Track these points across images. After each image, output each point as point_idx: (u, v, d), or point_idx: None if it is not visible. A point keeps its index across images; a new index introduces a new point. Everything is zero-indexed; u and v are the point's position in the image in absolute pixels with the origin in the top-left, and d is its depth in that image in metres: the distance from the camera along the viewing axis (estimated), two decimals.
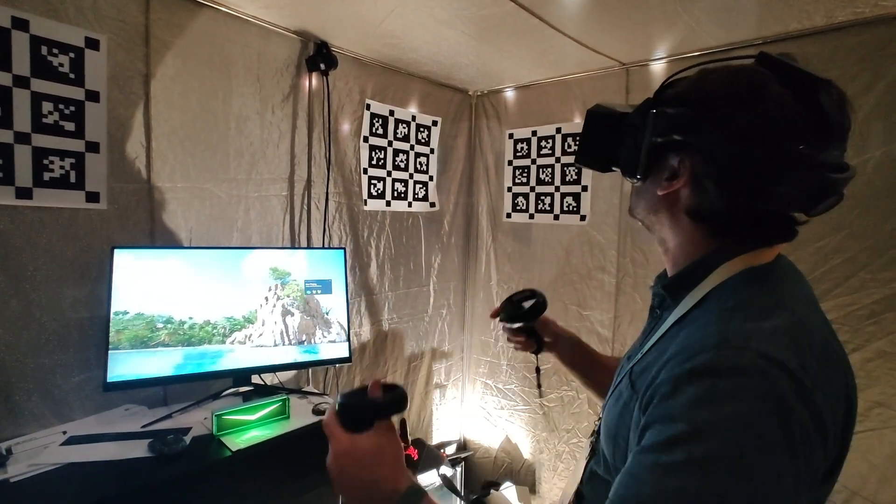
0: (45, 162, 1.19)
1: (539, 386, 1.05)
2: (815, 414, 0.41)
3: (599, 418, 0.72)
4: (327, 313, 1.60)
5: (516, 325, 0.94)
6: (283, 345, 1.51)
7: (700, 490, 0.38)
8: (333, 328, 1.60)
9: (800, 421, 0.40)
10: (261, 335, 1.47)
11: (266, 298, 1.49)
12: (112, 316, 1.22)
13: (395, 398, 0.59)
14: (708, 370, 0.42)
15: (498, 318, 0.96)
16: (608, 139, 0.63)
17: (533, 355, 0.98)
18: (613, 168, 0.66)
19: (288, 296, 1.53)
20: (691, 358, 0.44)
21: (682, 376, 0.43)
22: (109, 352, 1.20)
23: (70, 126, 1.22)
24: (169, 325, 1.30)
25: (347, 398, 0.59)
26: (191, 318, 1.34)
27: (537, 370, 1.05)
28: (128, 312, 1.25)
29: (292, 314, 1.54)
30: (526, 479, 2.24)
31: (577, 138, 0.73)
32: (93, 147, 1.26)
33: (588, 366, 0.93)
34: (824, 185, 0.48)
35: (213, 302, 1.39)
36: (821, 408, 0.41)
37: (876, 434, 1.34)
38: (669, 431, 0.41)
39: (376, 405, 0.58)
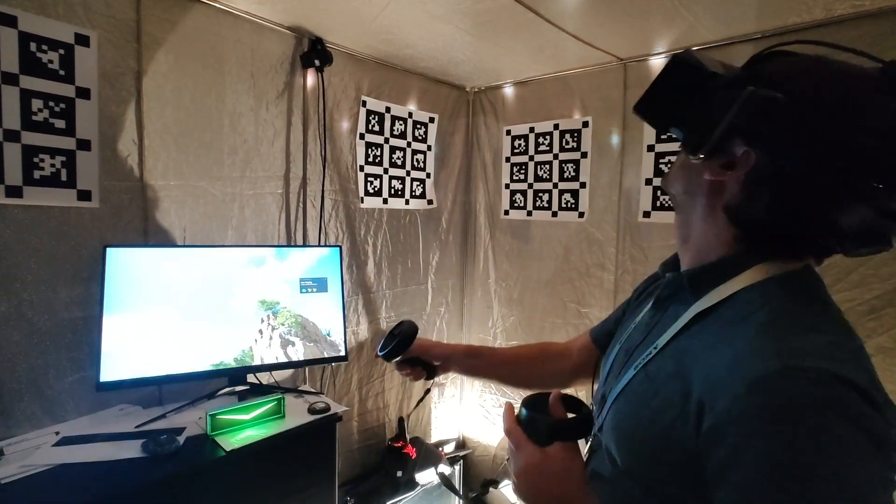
0: (36, 160, 1.17)
1: (420, 402, 1.10)
2: (890, 428, 0.40)
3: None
4: (328, 335, 1.57)
5: (395, 360, 0.93)
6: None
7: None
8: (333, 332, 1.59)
9: (879, 435, 0.39)
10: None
11: (260, 332, 1.45)
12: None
13: (582, 422, 0.59)
14: (781, 407, 0.39)
15: (380, 357, 0.95)
16: (685, 96, 0.53)
17: (427, 381, 0.98)
18: (670, 131, 0.59)
19: (282, 324, 1.49)
20: (755, 385, 0.40)
21: (752, 414, 0.40)
22: (103, 352, 1.19)
23: (60, 123, 1.20)
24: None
25: (534, 410, 0.60)
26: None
27: (427, 392, 1.16)
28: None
29: (293, 343, 1.50)
30: None
31: (652, 83, 0.55)
32: (84, 145, 1.24)
33: (488, 368, 0.96)
34: (881, 231, 0.45)
35: (205, 352, 1.36)
36: (892, 419, 0.40)
37: None
38: (760, 475, 0.39)
39: (561, 425, 0.59)
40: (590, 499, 0.55)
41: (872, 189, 0.43)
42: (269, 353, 1.46)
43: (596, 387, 0.72)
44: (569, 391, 0.68)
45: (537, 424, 0.58)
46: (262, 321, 1.46)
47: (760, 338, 0.44)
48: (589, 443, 0.64)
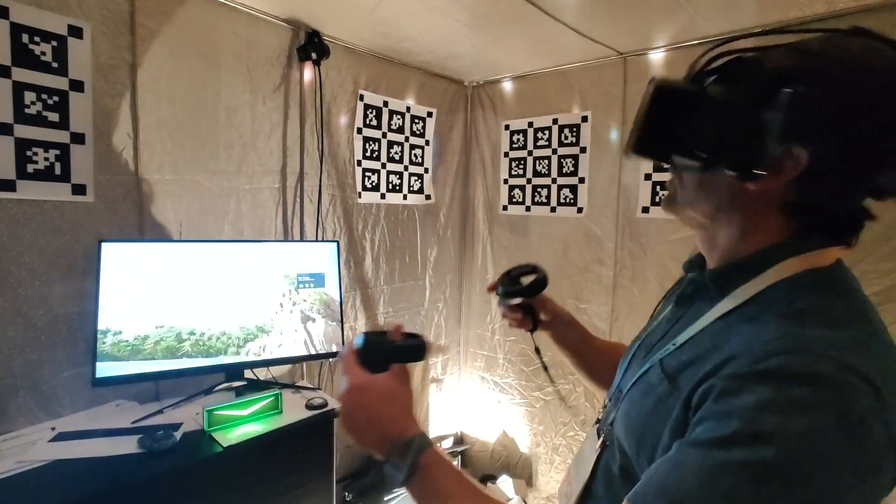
0: (29, 153, 1.16)
1: (546, 369, 0.96)
2: (890, 431, 0.38)
3: (605, 406, 0.69)
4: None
5: (514, 302, 0.87)
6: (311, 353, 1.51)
7: (752, 495, 0.36)
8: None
9: (875, 443, 0.37)
10: (280, 345, 1.45)
11: (281, 305, 1.46)
12: (153, 331, 1.25)
13: (417, 344, 0.60)
14: (783, 374, 0.39)
15: (495, 293, 0.89)
16: (687, 120, 0.49)
17: (529, 334, 0.91)
18: (674, 160, 0.54)
19: (305, 300, 1.50)
20: (762, 360, 0.40)
21: (749, 375, 0.40)
22: (98, 348, 1.19)
23: (54, 116, 1.19)
24: (192, 337, 1.32)
25: (369, 336, 0.59)
26: (209, 329, 1.35)
27: (537, 350, 0.95)
28: (163, 326, 1.28)
29: (313, 320, 1.50)
30: (523, 472, 2.24)
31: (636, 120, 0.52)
32: (78, 138, 1.23)
33: (580, 345, 0.90)
34: None
35: (224, 309, 1.38)
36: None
37: None
38: (728, 429, 0.39)
39: (396, 347, 0.59)
40: (411, 422, 0.54)
41: None
42: (289, 325, 1.47)
43: (611, 387, 0.71)
44: None
45: (371, 347, 0.58)
46: (284, 295, 1.47)
47: (780, 326, 0.44)
48: (601, 437, 0.63)
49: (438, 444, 0.53)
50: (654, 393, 0.51)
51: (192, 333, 1.32)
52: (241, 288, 1.42)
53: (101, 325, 1.20)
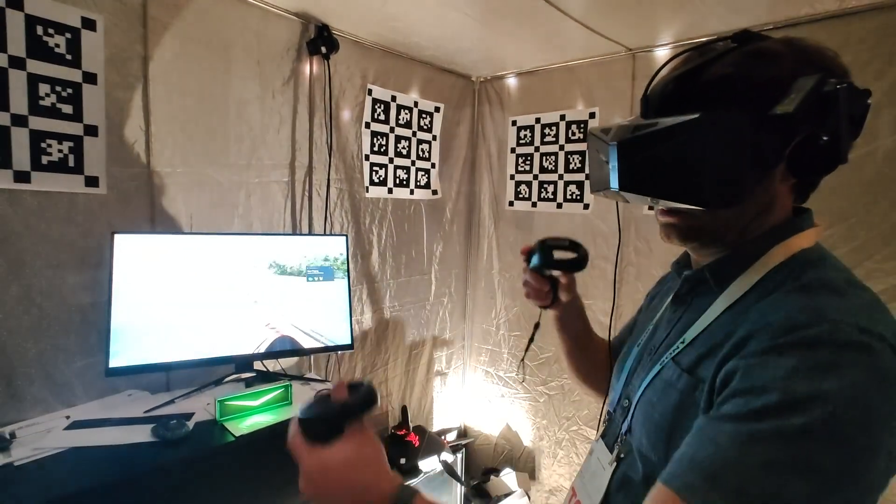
0: (43, 145, 1.17)
1: (531, 342, 0.91)
2: None
3: (607, 419, 0.67)
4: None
5: (549, 273, 0.81)
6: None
7: (790, 460, 0.37)
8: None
9: None
10: (288, 337, 1.50)
11: (288, 297, 1.50)
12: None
13: (363, 396, 0.51)
14: (806, 343, 0.40)
15: (525, 256, 0.82)
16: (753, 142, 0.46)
17: (540, 309, 0.86)
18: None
19: (313, 292, 1.55)
20: (782, 334, 0.42)
21: (773, 349, 0.41)
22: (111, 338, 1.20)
23: (67, 109, 1.20)
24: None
25: (308, 410, 0.51)
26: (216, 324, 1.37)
27: (536, 326, 0.90)
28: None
29: (321, 312, 1.56)
30: (526, 465, 2.26)
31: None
32: (91, 130, 1.24)
33: (581, 335, 0.87)
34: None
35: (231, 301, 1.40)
36: None
37: None
38: (759, 401, 0.39)
39: (342, 408, 0.50)
40: (386, 480, 0.48)
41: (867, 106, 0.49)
42: (296, 317, 1.50)
43: (610, 398, 0.69)
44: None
45: (312, 422, 0.50)
46: (292, 287, 1.51)
47: (792, 301, 0.45)
48: (615, 451, 0.60)
49: (419, 493, 0.48)
50: (675, 389, 0.51)
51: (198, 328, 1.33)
52: (248, 280, 1.43)
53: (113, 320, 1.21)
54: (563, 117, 2.05)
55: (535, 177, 2.17)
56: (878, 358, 0.39)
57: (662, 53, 1.75)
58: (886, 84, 1.33)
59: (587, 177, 2.00)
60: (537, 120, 2.14)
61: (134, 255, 1.25)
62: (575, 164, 2.03)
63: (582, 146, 2.01)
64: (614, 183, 0.54)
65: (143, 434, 1.12)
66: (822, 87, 0.45)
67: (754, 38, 0.50)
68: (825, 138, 0.45)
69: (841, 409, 0.37)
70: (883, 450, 0.38)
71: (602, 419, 0.70)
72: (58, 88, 1.18)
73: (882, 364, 0.39)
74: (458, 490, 2.07)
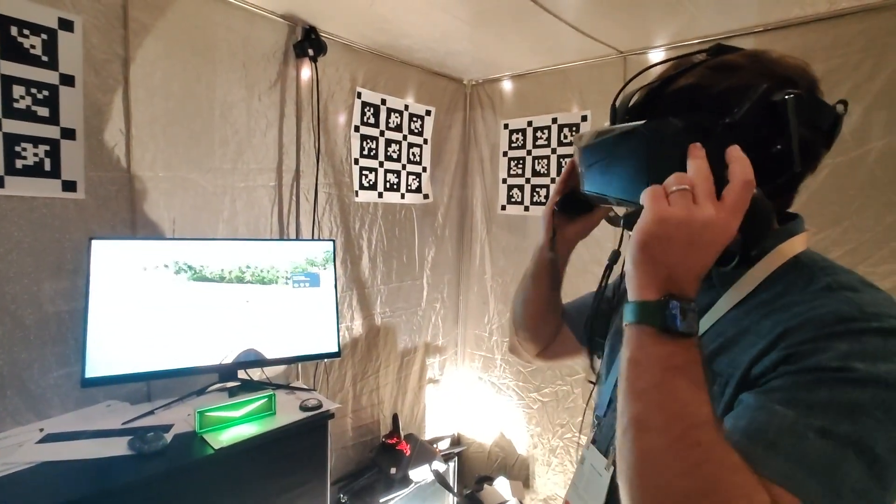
0: (18, 149, 1.13)
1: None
2: None
3: (596, 424, 0.66)
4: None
5: (571, 215, 0.76)
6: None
7: (844, 433, 0.38)
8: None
9: None
10: (274, 345, 1.45)
11: (275, 303, 1.46)
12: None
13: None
14: (855, 331, 0.41)
15: (563, 185, 0.75)
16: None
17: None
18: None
19: (299, 298, 1.51)
20: (829, 325, 0.42)
21: (821, 338, 0.42)
22: (88, 347, 1.16)
23: (44, 111, 1.16)
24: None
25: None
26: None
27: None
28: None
29: (308, 318, 1.52)
30: (520, 473, 2.22)
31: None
32: (68, 133, 1.21)
33: (548, 288, 0.81)
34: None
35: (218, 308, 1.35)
36: None
37: None
38: (812, 376, 0.40)
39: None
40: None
41: (840, 115, 0.50)
42: (283, 323, 1.46)
43: (598, 402, 0.68)
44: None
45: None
46: (279, 293, 1.47)
47: (830, 297, 0.45)
48: (611, 455, 0.60)
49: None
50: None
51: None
52: (232, 287, 1.40)
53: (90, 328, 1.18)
54: (555, 120, 2.04)
55: (528, 180, 2.15)
56: None
57: (654, 56, 1.74)
58: (877, 87, 1.32)
59: None
60: (529, 123, 2.12)
61: (112, 262, 1.22)
62: None
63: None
64: (583, 184, 0.60)
65: (118, 447, 1.08)
66: (768, 96, 0.47)
67: (725, 51, 0.52)
68: (778, 147, 0.47)
69: (893, 392, 0.38)
70: None
71: (591, 424, 0.69)
72: (33, 90, 1.15)
73: None
74: (451, 500, 2.03)
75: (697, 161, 0.44)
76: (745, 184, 0.43)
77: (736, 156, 0.44)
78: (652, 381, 0.41)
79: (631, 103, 0.56)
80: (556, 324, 0.85)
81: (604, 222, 0.77)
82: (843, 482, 0.37)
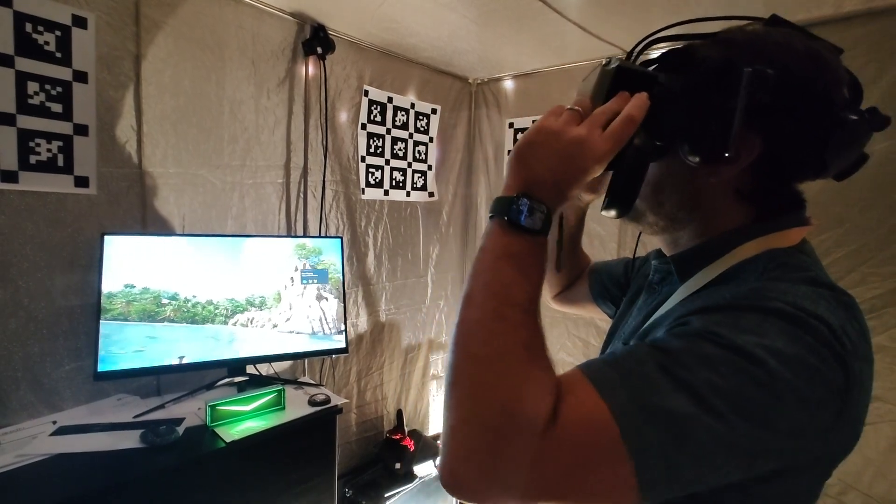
0: (31, 144, 1.14)
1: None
2: (852, 379, 0.37)
3: None
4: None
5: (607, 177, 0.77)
6: (322, 334, 1.50)
7: (683, 376, 0.36)
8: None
9: (824, 379, 0.37)
10: (288, 320, 1.44)
11: (291, 279, 1.45)
12: (121, 289, 1.23)
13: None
14: (736, 306, 0.40)
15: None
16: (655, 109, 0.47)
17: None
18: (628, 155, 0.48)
19: (305, 296, 1.50)
20: (721, 301, 0.42)
21: (705, 309, 0.41)
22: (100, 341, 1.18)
23: (57, 107, 1.17)
24: (174, 302, 1.30)
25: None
26: (194, 297, 1.33)
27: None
28: (135, 286, 1.25)
29: (326, 299, 1.49)
30: None
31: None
32: (81, 130, 1.22)
33: (553, 241, 0.84)
34: (855, 151, 0.48)
35: (218, 282, 1.38)
36: (861, 378, 0.38)
37: (872, 428, 1.34)
38: (678, 330, 0.41)
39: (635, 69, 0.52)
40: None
41: (846, 118, 0.45)
42: (302, 301, 1.47)
43: None
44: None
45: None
46: (297, 269, 1.47)
47: (741, 286, 0.46)
48: None
49: None
50: None
51: (174, 298, 1.30)
52: (241, 282, 1.41)
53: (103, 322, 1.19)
54: None
55: None
56: (808, 331, 0.37)
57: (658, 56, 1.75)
58: (881, 89, 1.33)
59: None
60: (534, 122, 2.13)
61: (124, 257, 1.23)
62: None
63: None
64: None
65: (131, 440, 1.10)
66: (728, 68, 0.44)
67: (780, 23, 0.50)
68: (718, 122, 0.44)
69: (750, 361, 0.36)
70: (784, 422, 0.36)
71: None
72: (47, 87, 1.16)
73: (810, 339, 0.37)
74: None
75: (612, 101, 0.48)
76: (626, 117, 0.45)
77: (635, 97, 0.47)
78: (487, 264, 0.45)
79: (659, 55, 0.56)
80: (572, 274, 0.95)
81: (602, 215, 0.73)
82: (657, 408, 0.36)
